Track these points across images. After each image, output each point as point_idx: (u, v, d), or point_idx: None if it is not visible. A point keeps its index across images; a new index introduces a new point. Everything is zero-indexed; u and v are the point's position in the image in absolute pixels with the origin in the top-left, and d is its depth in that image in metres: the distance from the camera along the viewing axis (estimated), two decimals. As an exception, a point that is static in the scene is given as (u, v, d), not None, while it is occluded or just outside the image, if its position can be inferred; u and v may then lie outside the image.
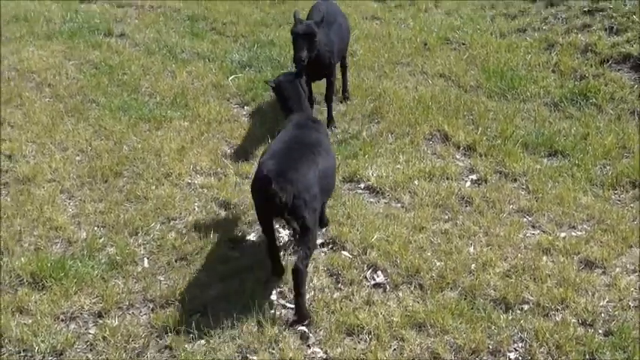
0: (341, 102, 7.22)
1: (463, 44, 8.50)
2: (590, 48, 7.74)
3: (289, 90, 5.39)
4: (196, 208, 5.58)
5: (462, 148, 6.42)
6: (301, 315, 4.41)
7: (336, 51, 6.65)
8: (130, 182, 5.92)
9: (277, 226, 5.10)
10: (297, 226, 4.47)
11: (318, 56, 6.28)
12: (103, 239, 5.22)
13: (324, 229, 5.22)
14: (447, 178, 5.95)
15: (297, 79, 5.47)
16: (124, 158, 6.21)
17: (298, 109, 5.32)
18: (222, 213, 5.52)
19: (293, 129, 5.07)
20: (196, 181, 5.92)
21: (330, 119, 6.82)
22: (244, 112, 7.24)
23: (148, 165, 6.12)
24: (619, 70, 7.39)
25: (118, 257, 5.01)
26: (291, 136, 4.97)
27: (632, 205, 5.55)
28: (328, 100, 6.82)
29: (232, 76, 7.94)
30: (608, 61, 7.50)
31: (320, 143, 4.94)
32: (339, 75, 7.22)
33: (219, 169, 6.09)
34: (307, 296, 4.52)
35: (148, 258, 5.05)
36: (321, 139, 5.02)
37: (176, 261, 5.01)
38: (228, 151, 6.43)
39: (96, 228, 5.36)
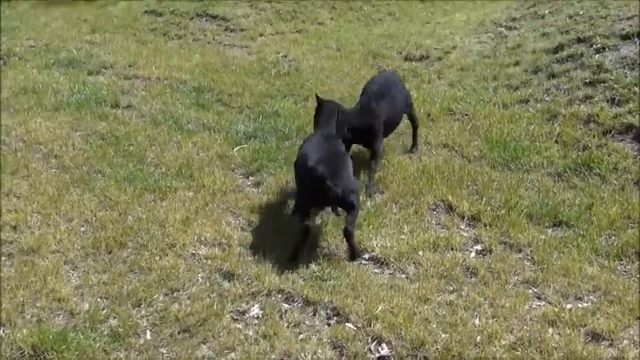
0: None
1: (466, 115, 8.57)
2: (592, 119, 7.79)
3: (327, 112, 6.67)
4: (200, 279, 5.56)
5: (466, 218, 6.42)
6: (355, 253, 5.84)
7: (382, 120, 7.17)
8: (134, 253, 5.92)
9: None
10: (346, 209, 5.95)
11: (365, 126, 7.01)
12: (105, 311, 5.18)
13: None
14: (452, 249, 5.93)
15: (338, 110, 6.74)
16: (128, 229, 6.21)
17: (325, 126, 6.58)
18: (226, 284, 5.50)
19: (324, 140, 6.40)
20: (200, 252, 5.91)
21: (371, 182, 6.99)
22: (249, 183, 7.28)
23: (153, 236, 6.13)
24: (622, 140, 7.42)
25: (120, 329, 4.97)
26: (327, 145, 6.31)
27: (638, 276, 5.51)
28: (372, 168, 7.12)
29: (237, 147, 8.00)
30: (610, 131, 7.55)
31: (345, 152, 6.46)
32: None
33: (223, 240, 6.09)
34: (311, 369, 4.50)
35: (150, 330, 5.02)
36: (344, 150, 6.51)
37: (179, 333, 4.96)
38: (233, 221, 6.44)
39: (99, 299, 5.34)
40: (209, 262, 5.77)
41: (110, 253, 5.92)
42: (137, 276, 5.61)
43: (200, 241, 6.07)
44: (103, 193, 6.87)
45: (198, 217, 6.44)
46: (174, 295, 5.38)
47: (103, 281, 5.54)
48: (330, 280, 5.47)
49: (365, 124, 7.04)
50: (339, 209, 6.35)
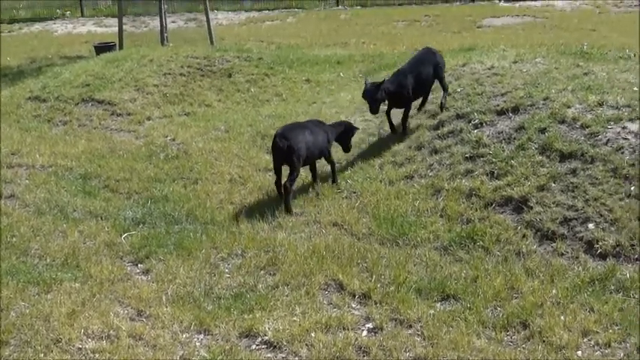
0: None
1: (354, 192, 8.71)
2: (474, 192, 8.06)
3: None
4: (87, 375, 5.39)
5: (357, 296, 6.48)
6: (288, 209, 8.28)
7: (411, 90, 9.67)
8: (17, 351, 5.69)
9: None
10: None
11: (400, 93, 9.59)
12: (-15, 416, 4.95)
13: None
14: (344, 328, 5.96)
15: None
16: (10, 325, 5.97)
17: (332, 126, 9.29)
18: (115, 378, 5.35)
19: (308, 121, 9.26)
20: (87, 346, 5.73)
21: (404, 131, 9.96)
22: (138, 270, 7.16)
23: (37, 331, 5.90)
24: (502, 212, 7.69)
25: None
26: (303, 124, 9.01)
27: (523, 345, 5.67)
28: (403, 122, 9.93)
29: (126, 234, 7.88)
30: (491, 204, 7.82)
31: (316, 131, 8.74)
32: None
33: (111, 332, 5.93)
34: None
35: None
36: (316, 130, 8.78)
37: None
38: (121, 311, 6.30)
39: (-22, 404, 5.09)
40: (96, 355, 5.61)
41: (-9, 352, 5.68)
42: (20, 375, 5.39)
43: (87, 334, 5.89)
44: (-16, 289, 6.61)
45: (85, 309, 6.26)
46: (60, 393, 5.18)
47: (-18, 384, 5.29)
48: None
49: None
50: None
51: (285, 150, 8.24)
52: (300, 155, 8.34)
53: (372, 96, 9.35)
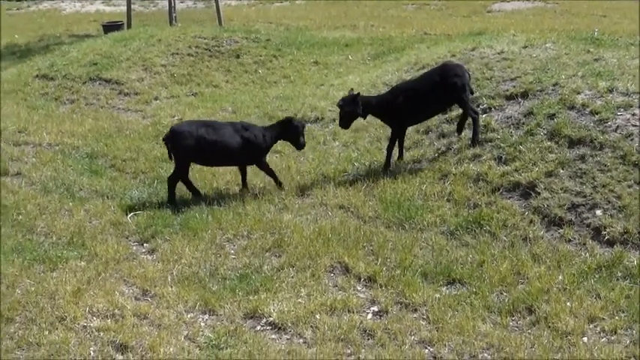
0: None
1: (361, 175, 8.67)
2: (481, 177, 8.01)
3: (281, 121, 8.66)
4: (92, 353, 5.38)
5: (362, 279, 6.47)
6: (170, 200, 8.19)
7: (401, 111, 8.53)
8: (22, 328, 5.68)
9: None
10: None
11: (382, 111, 8.72)
12: (-10, 392, 4.96)
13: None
14: (349, 311, 5.95)
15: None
16: (16, 303, 5.97)
17: (268, 127, 8.55)
18: (120, 357, 5.34)
19: (230, 124, 8.51)
20: (92, 324, 5.72)
21: (385, 165, 8.70)
22: (143, 250, 7.16)
23: (42, 309, 5.90)
24: (510, 197, 7.65)
25: (6, 411, 4.75)
26: (211, 123, 8.53)
27: (529, 331, 5.65)
28: (388, 150, 8.73)
29: (131, 214, 7.87)
30: (499, 189, 7.77)
31: (226, 134, 8.16)
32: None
33: (116, 310, 5.93)
34: None
35: (39, 410, 4.81)
36: (227, 133, 8.17)
37: (69, 411, 4.78)
38: (126, 290, 6.30)
39: (-17, 380, 5.10)
40: (101, 334, 5.60)
41: (-4, 329, 5.68)
42: (25, 352, 5.39)
43: (92, 312, 5.89)
44: (-11, 266, 6.61)
45: (90, 287, 6.26)
46: (65, 370, 5.19)
47: (-12, 360, 5.30)
48: (226, 348, 5.40)
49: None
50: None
51: (168, 142, 8.15)
52: (181, 151, 8.12)
53: (345, 106, 8.52)
